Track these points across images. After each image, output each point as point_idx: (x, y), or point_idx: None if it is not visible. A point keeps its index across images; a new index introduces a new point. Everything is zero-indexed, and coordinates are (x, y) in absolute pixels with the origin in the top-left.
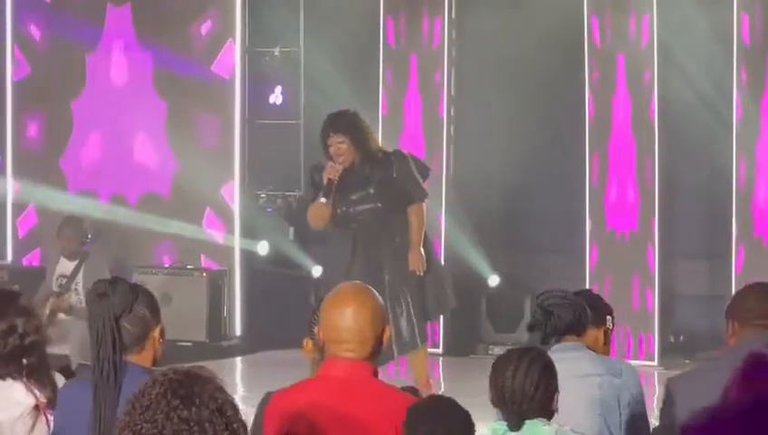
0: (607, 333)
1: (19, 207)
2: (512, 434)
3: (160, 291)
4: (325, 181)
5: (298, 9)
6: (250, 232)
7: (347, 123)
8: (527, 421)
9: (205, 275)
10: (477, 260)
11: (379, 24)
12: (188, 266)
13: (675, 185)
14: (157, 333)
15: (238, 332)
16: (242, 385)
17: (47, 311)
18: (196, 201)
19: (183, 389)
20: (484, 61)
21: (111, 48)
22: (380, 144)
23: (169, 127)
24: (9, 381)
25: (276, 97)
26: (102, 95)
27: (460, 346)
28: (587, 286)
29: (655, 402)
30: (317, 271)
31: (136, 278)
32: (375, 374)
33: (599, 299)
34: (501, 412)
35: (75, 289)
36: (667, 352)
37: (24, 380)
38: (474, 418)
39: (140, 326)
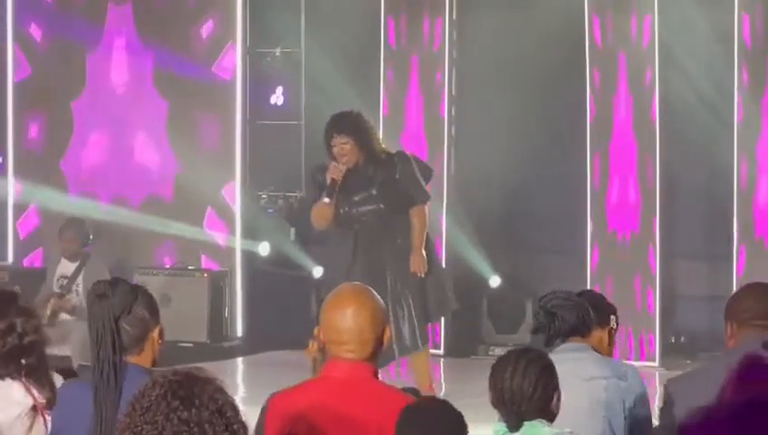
0: (611, 333)
1: (20, 208)
2: None
3: (161, 292)
4: (329, 181)
5: (299, 10)
6: (251, 233)
7: (351, 124)
8: (526, 422)
9: (206, 275)
10: (478, 261)
11: (380, 24)
12: (189, 267)
13: (676, 185)
14: (156, 333)
15: (239, 332)
16: (243, 386)
17: (48, 312)
18: (197, 202)
19: (183, 390)
20: (484, 61)
21: (112, 48)
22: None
23: (170, 127)
24: (8, 381)
25: (277, 98)
26: (103, 96)
27: (461, 347)
28: (588, 287)
29: (656, 403)
30: (318, 272)
31: (137, 279)
32: (375, 375)
33: (602, 299)
34: (500, 413)
35: (76, 290)
36: (669, 352)
37: (23, 380)
38: (476, 419)
39: (140, 327)
